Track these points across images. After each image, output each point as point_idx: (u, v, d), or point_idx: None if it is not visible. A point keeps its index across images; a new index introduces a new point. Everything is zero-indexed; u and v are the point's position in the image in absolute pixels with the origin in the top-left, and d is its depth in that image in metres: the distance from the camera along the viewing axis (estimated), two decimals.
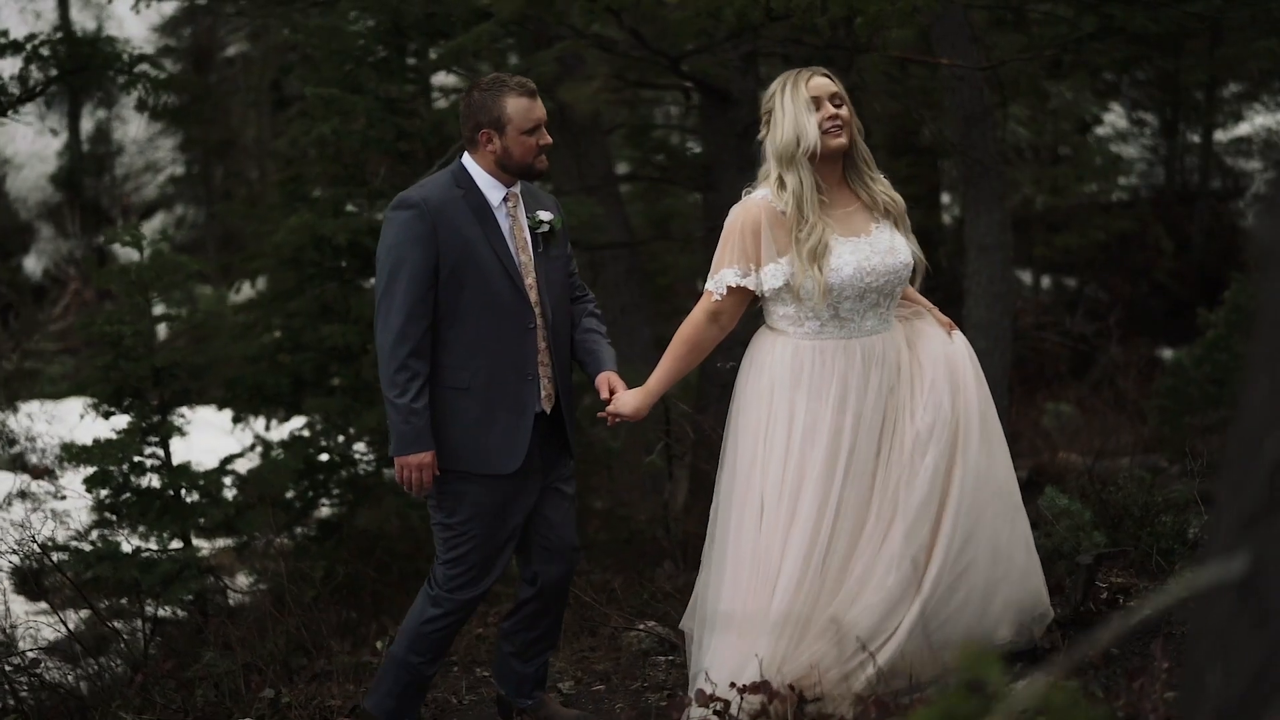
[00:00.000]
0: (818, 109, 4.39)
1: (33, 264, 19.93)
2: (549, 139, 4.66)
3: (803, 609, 4.27)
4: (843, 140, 4.39)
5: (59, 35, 8.38)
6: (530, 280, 4.64)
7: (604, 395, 4.67)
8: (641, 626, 6.21)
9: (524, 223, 4.69)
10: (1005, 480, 4.45)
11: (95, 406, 7.40)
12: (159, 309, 7.70)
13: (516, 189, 4.69)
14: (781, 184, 4.36)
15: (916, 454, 4.36)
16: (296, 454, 7.92)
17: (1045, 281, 14.84)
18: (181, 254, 13.65)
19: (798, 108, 4.39)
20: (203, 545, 7.58)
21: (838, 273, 4.34)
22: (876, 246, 4.41)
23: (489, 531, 4.66)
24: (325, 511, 8.44)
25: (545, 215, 4.73)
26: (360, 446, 8.32)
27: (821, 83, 4.41)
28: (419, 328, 4.46)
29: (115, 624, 7.16)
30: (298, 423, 8.43)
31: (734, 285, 4.44)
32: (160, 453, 7.37)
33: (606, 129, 9.44)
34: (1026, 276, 14.79)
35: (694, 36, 8.03)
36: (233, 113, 19.07)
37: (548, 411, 4.70)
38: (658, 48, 8.12)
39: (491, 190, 4.63)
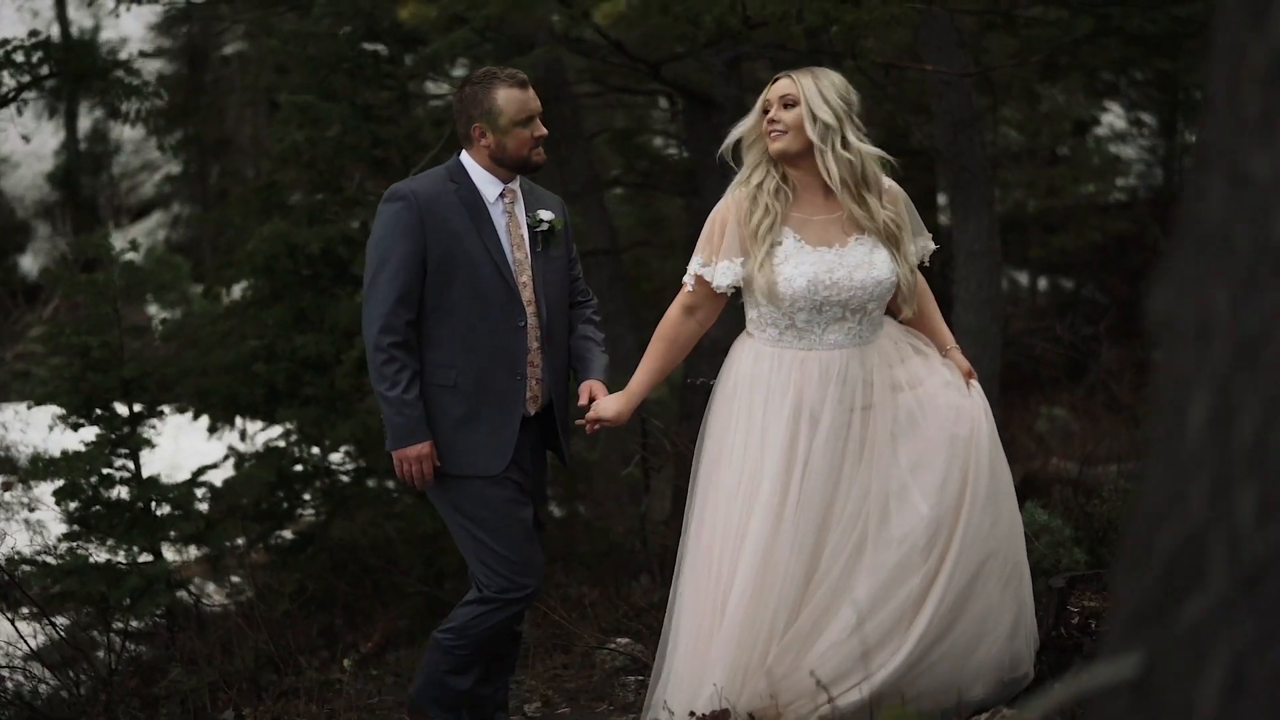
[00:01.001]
0: (766, 112, 4.29)
1: (29, 263, 19.90)
2: (544, 130, 4.56)
3: (755, 632, 4.15)
4: (780, 145, 4.23)
5: (32, 42, 8.31)
6: (524, 278, 4.54)
7: (583, 402, 4.57)
8: (612, 645, 6.12)
9: (522, 220, 4.60)
10: (1007, 540, 4.29)
11: (64, 418, 7.33)
12: (152, 309, 7.66)
13: (515, 185, 4.61)
14: (748, 180, 4.30)
15: (898, 509, 4.23)
16: (269, 465, 7.84)
17: (1042, 283, 14.72)
18: (176, 254, 13.52)
19: (755, 108, 4.34)
20: (174, 558, 7.51)
21: (790, 283, 4.22)
22: (845, 260, 4.26)
23: (502, 517, 4.52)
24: (302, 521, 8.38)
25: (546, 215, 4.63)
26: (336, 457, 8.26)
27: (778, 85, 4.29)
28: (404, 319, 4.38)
29: (90, 634, 7.12)
30: (275, 431, 8.36)
31: (697, 275, 4.34)
32: (130, 465, 7.31)
33: (590, 134, 9.34)
34: (1023, 278, 14.68)
35: (675, 43, 7.94)
36: (229, 111, 19.02)
37: (531, 413, 4.60)
38: (637, 54, 8.04)
39: (487, 186, 4.55)
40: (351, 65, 7.89)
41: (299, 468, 8.01)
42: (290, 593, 7.59)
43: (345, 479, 8.29)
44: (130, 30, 20.17)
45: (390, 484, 8.10)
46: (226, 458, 8.08)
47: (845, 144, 4.21)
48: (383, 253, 4.42)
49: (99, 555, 7.17)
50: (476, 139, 4.52)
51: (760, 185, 4.28)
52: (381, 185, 8.07)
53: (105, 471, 7.25)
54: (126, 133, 20.91)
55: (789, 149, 4.23)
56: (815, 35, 7.21)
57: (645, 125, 10.14)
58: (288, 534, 8.25)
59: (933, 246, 4.50)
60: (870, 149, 4.26)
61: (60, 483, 7.13)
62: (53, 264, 18.75)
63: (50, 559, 7.15)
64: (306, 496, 8.15)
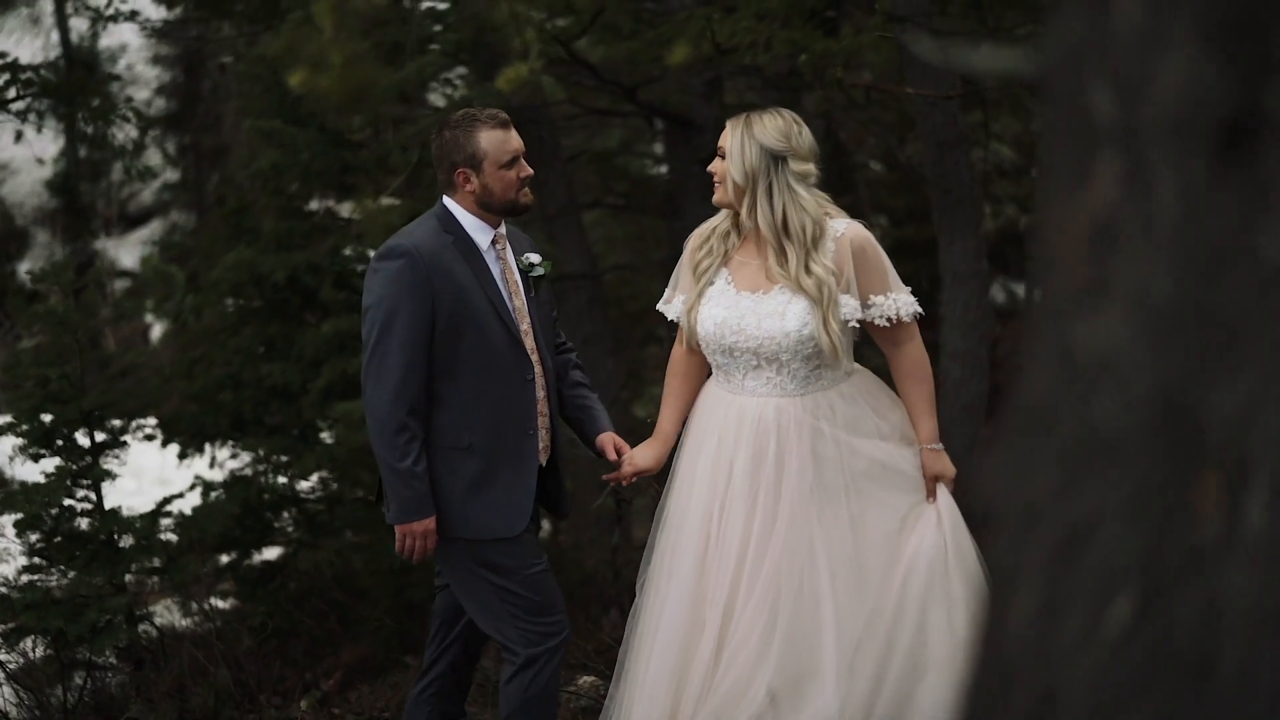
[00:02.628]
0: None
1: (27, 270, 19.86)
2: (529, 170, 4.42)
3: (669, 684, 4.12)
4: (716, 196, 4.24)
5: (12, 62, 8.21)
6: (525, 326, 4.42)
7: (611, 457, 4.48)
8: (574, 687, 6.02)
9: (513, 265, 4.46)
10: (952, 639, 4.11)
11: (24, 449, 7.21)
12: (149, 318, 7.57)
13: (503, 229, 4.46)
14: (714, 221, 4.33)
15: (809, 595, 4.07)
16: (235, 496, 7.72)
17: (1038, 295, 14.45)
18: (171, 264, 13.43)
19: None
20: (135, 590, 7.39)
21: (702, 324, 4.22)
22: (760, 307, 4.18)
23: (525, 578, 4.38)
24: (272, 550, 8.27)
25: (535, 257, 4.51)
26: (305, 485, 8.14)
27: (723, 134, 4.26)
28: (416, 385, 4.21)
29: (45, 672, 7.02)
30: (244, 459, 8.24)
31: (660, 310, 4.43)
32: (93, 496, 7.20)
33: (568, 156, 9.19)
34: (1021, 290, 14.47)
35: (650, 66, 7.80)
36: (226, 119, 18.96)
37: (543, 465, 4.49)
38: (611, 78, 7.89)
39: (479, 233, 4.38)
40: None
41: (266, 496, 7.89)
42: (254, 625, 7.49)
43: (317, 506, 8.17)
44: (129, 38, 20.11)
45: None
46: (193, 486, 7.95)
47: (771, 194, 4.12)
48: (387, 314, 4.21)
49: (59, 589, 7.06)
50: (461, 184, 4.35)
51: (716, 226, 4.29)
52: (353, 210, 7.95)
53: (67, 503, 7.13)
54: (125, 138, 20.82)
55: (722, 200, 4.24)
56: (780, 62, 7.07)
57: (626, 146, 9.99)
58: (258, 560, 8.13)
59: (907, 305, 4.27)
60: (806, 199, 4.14)
61: (18, 515, 7.01)
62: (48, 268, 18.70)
63: (9, 592, 7.04)
64: (276, 526, 8.02)
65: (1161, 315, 1.34)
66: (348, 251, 7.74)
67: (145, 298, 12.11)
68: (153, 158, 19.98)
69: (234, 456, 8.21)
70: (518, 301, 4.42)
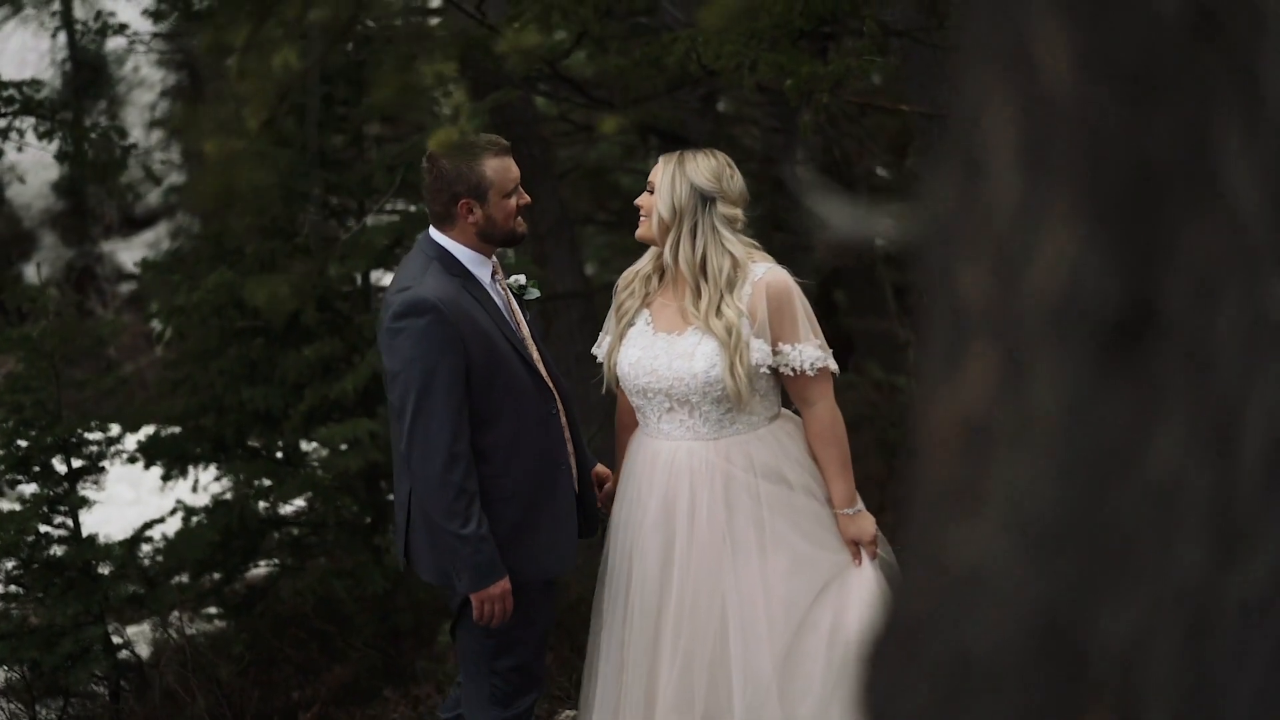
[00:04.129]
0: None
1: (34, 273, 19.80)
2: (528, 198, 4.25)
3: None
4: (640, 230, 4.20)
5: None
6: (535, 356, 4.25)
7: (610, 487, 4.43)
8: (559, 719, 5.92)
9: (508, 293, 4.29)
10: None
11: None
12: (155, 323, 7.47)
13: (494, 258, 4.29)
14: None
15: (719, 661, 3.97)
16: (216, 522, 7.57)
17: None
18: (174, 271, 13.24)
19: None
20: (114, 619, 7.28)
21: (619, 365, 4.19)
22: (672, 348, 4.11)
23: (537, 631, 4.26)
24: (257, 574, 8.14)
25: (522, 278, 4.34)
26: (290, 509, 8.00)
27: (654, 169, 4.21)
28: (466, 444, 4.00)
29: (17, 705, 6.92)
30: (228, 482, 8.10)
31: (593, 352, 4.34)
32: (70, 523, 7.09)
33: (559, 172, 9.03)
34: None
35: (640, 84, 7.63)
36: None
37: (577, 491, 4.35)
38: (599, 95, 7.73)
39: (478, 267, 4.20)
40: (301, 108, 7.60)
41: (247, 523, 7.75)
42: (234, 654, 7.38)
43: (302, 530, 8.03)
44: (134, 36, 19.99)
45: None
46: (174, 511, 7.82)
47: (695, 233, 4.05)
48: (425, 376, 3.98)
49: (36, 616, 6.96)
50: (463, 216, 4.15)
51: (640, 270, 4.24)
52: (334, 232, 7.81)
53: (43, 529, 7.02)
54: (134, 140, 20.74)
55: (645, 234, 4.18)
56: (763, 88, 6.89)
57: (618, 162, 9.83)
58: (240, 585, 8.00)
59: (810, 358, 4.15)
60: (730, 242, 4.08)
61: None
62: (56, 274, 18.66)
63: None
64: (257, 551, 7.89)
65: (1042, 527, 1.16)
66: (331, 273, 7.59)
67: (148, 303, 11.95)
68: (159, 161, 19.92)
69: (218, 479, 8.07)
70: (523, 332, 4.27)
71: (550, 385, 4.26)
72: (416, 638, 7.92)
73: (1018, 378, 1.17)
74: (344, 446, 7.34)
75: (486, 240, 4.21)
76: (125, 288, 18.26)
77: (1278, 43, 1.07)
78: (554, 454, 4.23)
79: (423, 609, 7.75)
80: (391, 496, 7.80)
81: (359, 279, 7.78)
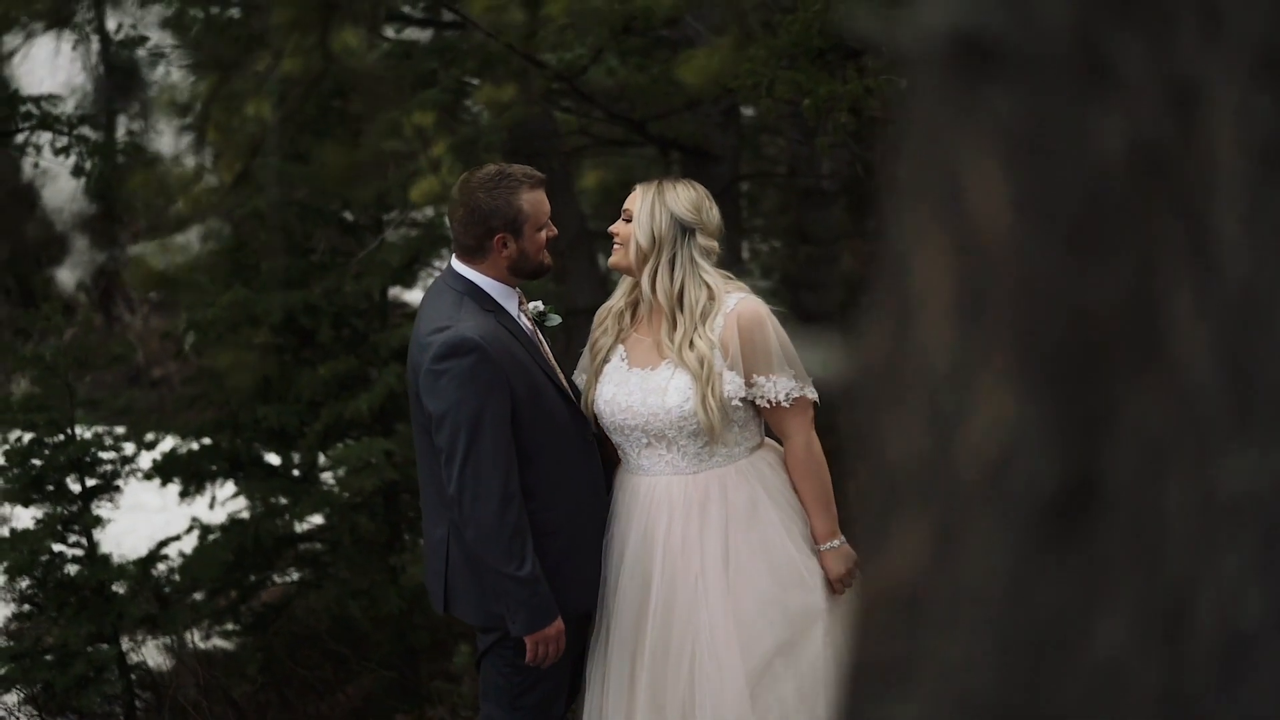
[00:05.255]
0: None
1: (66, 276, 19.90)
2: (555, 230, 4.17)
3: None
4: (614, 258, 4.13)
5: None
6: (564, 383, 4.16)
7: None
8: None
9: (531, 322, 4.21)
10: None
11: (12, 494, 7.07)
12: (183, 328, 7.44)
13: (518, 288, 4.22)
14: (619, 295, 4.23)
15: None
16: (231, 540, 7.52)
17: None
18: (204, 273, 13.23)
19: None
20: (128, 642, 7.24)
21: (595, 403, 4.12)
22: (646, 383, 4.04)
23: (563, 666, 4.14)
24: (273, 590, 8.09)
25: (540, 305, 4.27)
26: (305, 526, 7.95)
27: (630, 197, 4.13)
28: (517, 483, 3.92)
29: None
30: (241, 501, 8.05)
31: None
32: (84, 542, 7.06)
33: (580, 186, 8.95)
34: None
35: (660, 101, 7.54)
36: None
37: None
38: (618, 111, 7.63)
39: (507, 300, 4.11)
40: (319, 125, 7.53)
41: (263, 541, 7.69)
42: (250, 673, 7.34)
43: (318, 548, 7.98)
44: (164, 40, 20.07)
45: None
46: (190, 529, 7.77)
47: (673, 264, 4.00)
48: (473, 419, 3.88)
49: (50, 636, 6.94)
50: (498, 250, 4.05)
51: (613, 306, 4.20)
52: (352, 249, 7.75)
53: (57, 549, 6.99)
54: (163, 145, 20.85)
55: (620, 263, 4.11)
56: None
57: (639, 175, 9.71)
58: (257, 604, 7.95)
59: (784, 389, 4.07)
60: (708, 273, 4.03)
61: (6, 563, 6.88)
62: (88, 278, 18.72)
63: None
64: (273, 569, 7.84)
65: (977, 709, 1.06)
66: (347, 290, 7.52)
67: (179, 308, 11.97)
68: (191, 162, 19.87)
69: (235, 496, 8.03)
70: (552, 361, 4.19)
71: (583, 412, 4.19)
72: (432, 657, 7.86)
73: (950, 549, 1.06)
74: (358, 466, 7.28)
75: (516, 274, 4.12)
76: (154, 293, 18.29)
77: (1232, 190, 0.96)
78: (595, 483, 4.17)
79: (439, 628, 7.69)
80: (405, 510, 7.75)
81: (376, 295, 7.71)
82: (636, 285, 4.15)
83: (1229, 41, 0.94)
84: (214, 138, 2.54)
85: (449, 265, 4.23)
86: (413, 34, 7.91)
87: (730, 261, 8.27)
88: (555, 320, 4.29)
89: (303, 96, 2.59)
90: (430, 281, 8.96)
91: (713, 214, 4.09)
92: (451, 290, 4.13)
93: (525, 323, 4.18)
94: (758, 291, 4.31)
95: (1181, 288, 0.98)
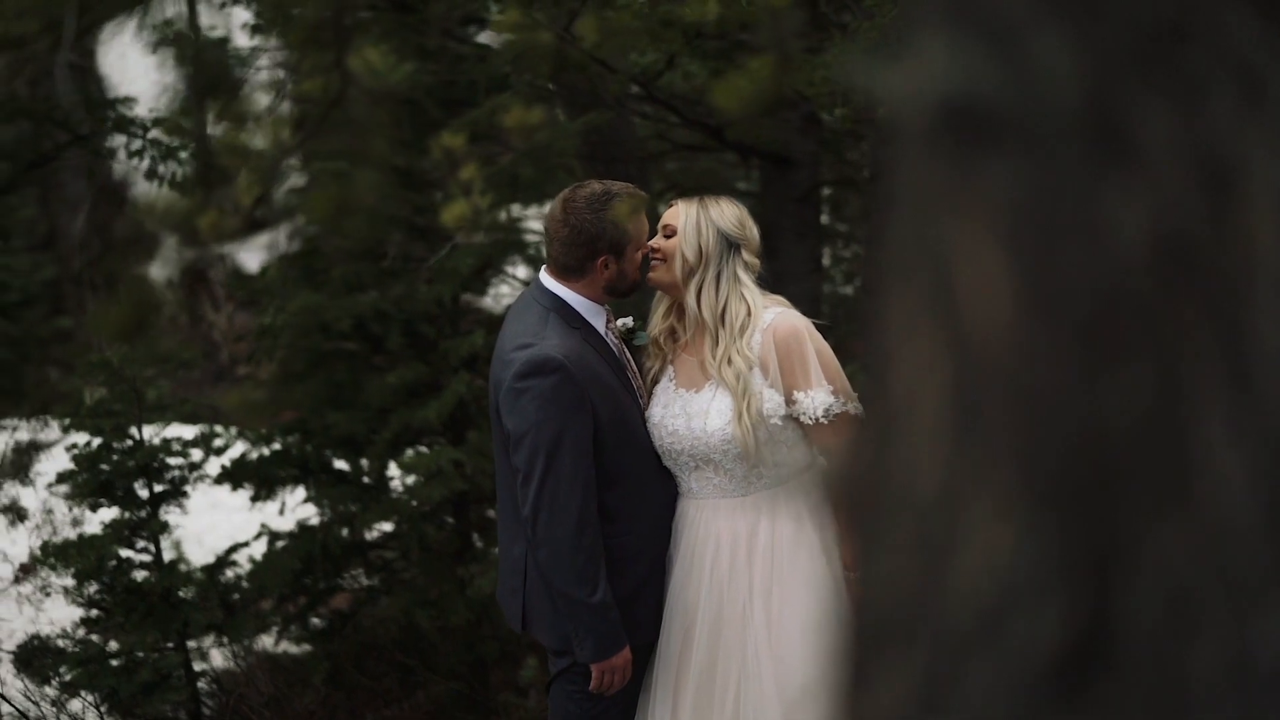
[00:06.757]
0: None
1: (158, 272, 20.15)
2: (649, 246, 4.07)
3: None
4: (655, 274, 4.03)
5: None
6: (644, 401, 4.11)
7: None
8: None
9: (620, 339, 4.12)
10: None
11: (80, 497, 7.08)
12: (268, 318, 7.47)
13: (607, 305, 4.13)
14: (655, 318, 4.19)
15: None
16: (299, 548, 7.47)
17: None
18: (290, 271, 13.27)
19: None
20: (194, 647, 7.22)
21: (648, 424, 4.05)
22: (690, 407, 3.96)
23: (632, 692, 4.07)
24: (343, 597, 8.05)
25: (629, 321, 4.17)
26: (373, 534, 7.90)
27: (667, 212, 4.08)
28: (594, 507, 3.85)
29: None
30: (311, 508, 8.02)
31: None
32: (152, 548, 7.06)
33: (657, 190, 8.80)
34: None
35: (738, 106, 7.35)
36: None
37: None
38: (694, 116, 7.47)
39: (595, 317, 4.01)
40: (391, 127, 7.46)
41: (331, 547, 7.65)
42: (316, 682, 7.30)
43: (389, 555, 7.93)
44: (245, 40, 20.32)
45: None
46: (259, 535, 7.74)
47: (719, 280, 3.92)
48: (553, 439, 3.81)
49: (114, 645, 6.95)
50: (599, 271, 3.96)
51: (655, 336, 4.13)
52: (423, 253, 7.68)
53: (124, 554, 7.00)
54: (255, 141, 21.00)
55: (663, 279, 4.03)
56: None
57: (720, 180, 9.52)
58: (324, 612, 7.91)
59: (829, 406, 3.93)
60: (750, 289, 3.96)
61: (73, 568, 6.90)
62: (176, 276, 18.94)
63: (66, 645, 6.96)
64: (342, 577, 7.80)
65: None
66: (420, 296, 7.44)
67: (263, 306, 12.04)
68: (285, 160, 20.04)
69: (306, 501, 8.00)
70: (638, 382, 4.12)
71: None
72: (501, 669, 7.78)
73: (938, 700, 0.90)
74: (426, 475, 7.22)
75: (611, 293, 4.04)
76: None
77: (1273, 289, 0.79)
78: (672, 506, 4.08)
79: (507, 639, 7.59)
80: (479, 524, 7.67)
81: (447, 302, 7.63)
82: (672, 307, 4.09)
83: (1272, 111, 0.77)
84: (225, 160, 2.43)
85: (537, 279, 4.12)
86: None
87: (811, 267, 8.08)
88: (643, 339, 4.17)
89: (322, 117, 2.46)
90: (499, 285, 8.89)
91: (754, 231, 4.05)
92: (538, 305, 4.03)
93: (612, 340, 4.08)
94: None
95: (1213, 405, 0.81)
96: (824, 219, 8.83)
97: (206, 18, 17.49)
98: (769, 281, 4.12)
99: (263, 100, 2.79)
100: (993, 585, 0.87)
